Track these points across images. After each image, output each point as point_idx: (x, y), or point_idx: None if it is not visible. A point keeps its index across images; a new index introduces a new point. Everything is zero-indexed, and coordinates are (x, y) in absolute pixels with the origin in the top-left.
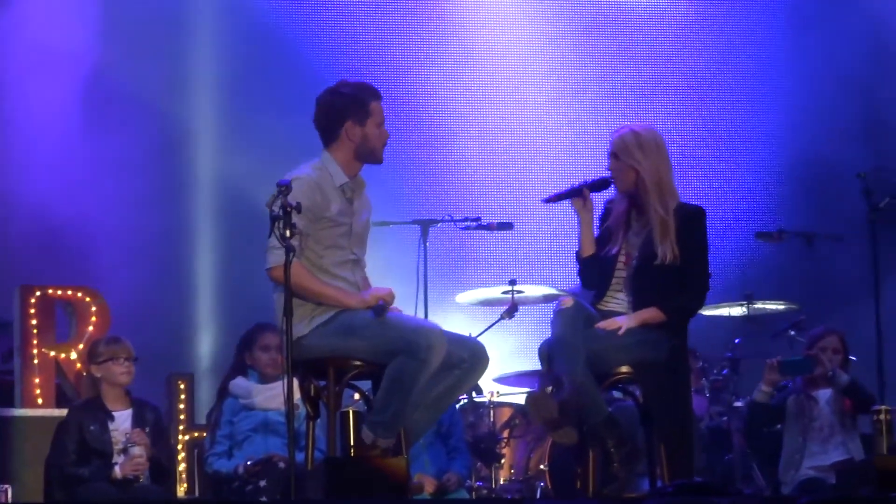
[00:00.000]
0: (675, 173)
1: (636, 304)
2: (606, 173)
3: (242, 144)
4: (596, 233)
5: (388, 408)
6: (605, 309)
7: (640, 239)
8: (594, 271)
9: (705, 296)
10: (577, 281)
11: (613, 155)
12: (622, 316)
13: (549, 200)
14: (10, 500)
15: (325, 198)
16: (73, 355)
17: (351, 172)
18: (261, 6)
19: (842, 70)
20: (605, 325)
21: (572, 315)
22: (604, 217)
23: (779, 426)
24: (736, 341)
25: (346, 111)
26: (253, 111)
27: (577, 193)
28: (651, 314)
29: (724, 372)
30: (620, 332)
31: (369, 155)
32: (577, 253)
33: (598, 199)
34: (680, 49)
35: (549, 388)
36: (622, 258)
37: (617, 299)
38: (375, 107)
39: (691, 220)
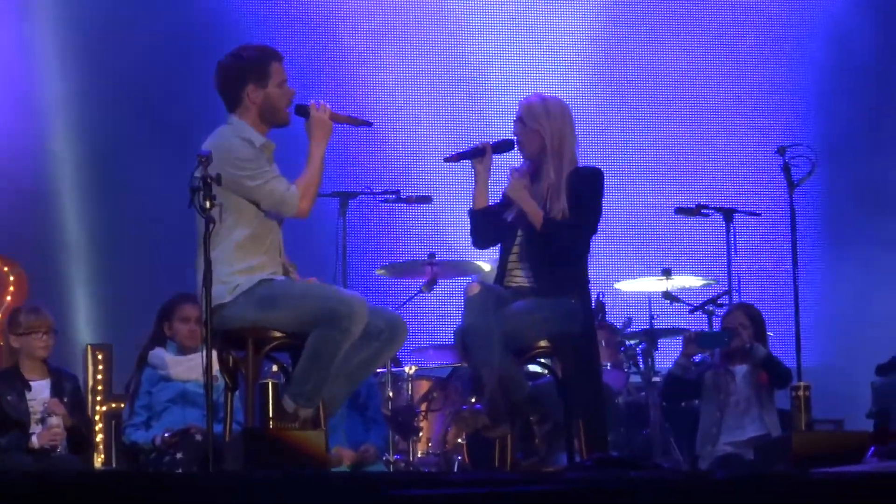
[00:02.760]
0: (595, 147)
1: (533, 266)
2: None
3: None
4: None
5: (308, 377)
6: (513, 285)
7: (538, 203)
8: (485, 225)
9: (581, 241)
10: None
11: (520, 120)
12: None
13: (450, 159)
14: None
15: (259, 154)
16: None
17: (262, 134)
18: None
19: (763, 45)
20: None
21: (481, 301)
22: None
23: (696, 401)
24: (654, 316)
25: (247, 74)
26: None
27: (479, 153)
28: (538, 213)
29: (643, 346)
30: (513, 188)
31: (274, 116)
32: (470, 210)
33: (502, 164)
34: (600, 20)
35: (472, 399)
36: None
37: (522, 268)
38: (276, 67)
39: (584, 179)
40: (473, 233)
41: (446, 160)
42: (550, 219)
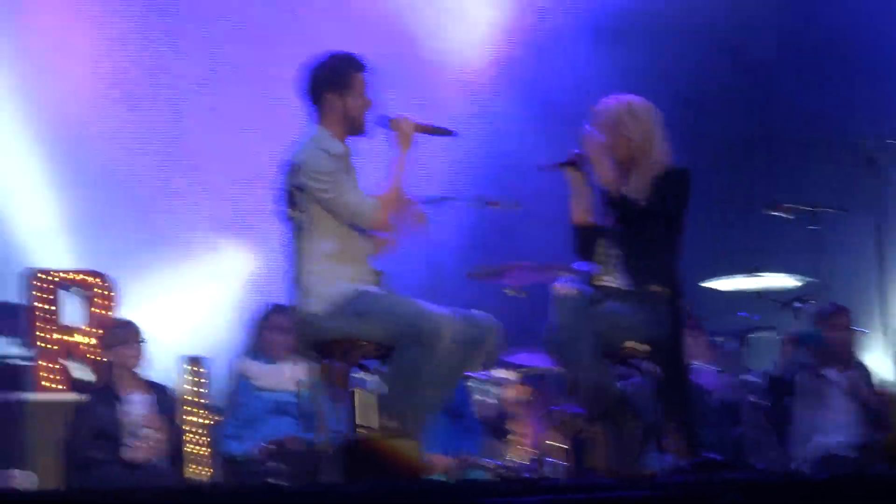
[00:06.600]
0: (681, 144)
1: (626, 267)
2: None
3: None
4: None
5: (398, 395)
6: (601, 284)
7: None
8: (588, 240)
9: (660, 230)
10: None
11: (604, 126)
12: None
13: (545, 169)
14: (30, 485)
15: (338, 166)
16: (83, 339)
17: (342, 142)
18: None
19: (847, 37)
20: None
21: (570, 301)
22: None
23: (791, 401)
24: (743, 314)
25: (327, 82)
26: None
27: (572, 163)
28: (609, 178)
29: (733, 345)
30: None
31: (353, 125)
32: (572, 224)
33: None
34: (675, 19)
35: (564, 401)
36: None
37: (611, 271)
38: (357, 77)
39: (672, 181)
40: (577, 248)
41: (540, 169)
42: (624, 196)
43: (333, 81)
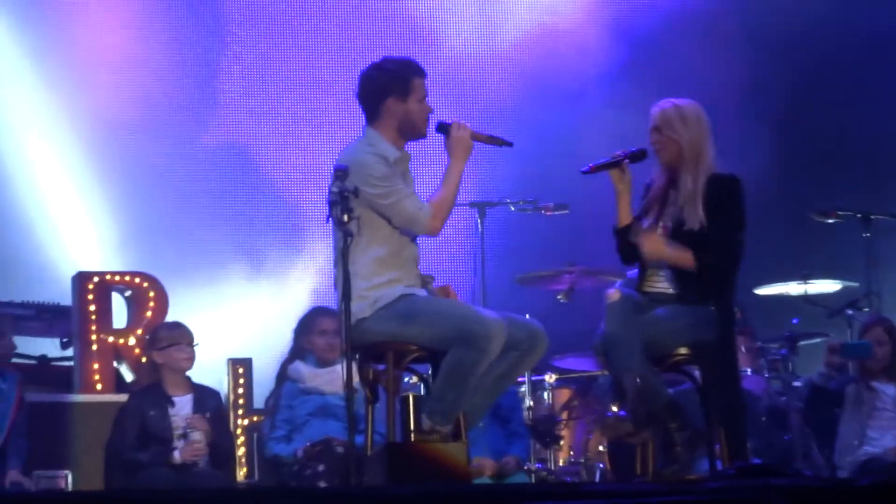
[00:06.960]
0: (731, 151)
1: (674, 275)
2: (644, 146)
3: None
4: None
5: (445, 396)
6: (652, 290)
7: (674, 210)
8: (633, 245)
9: (732, 255)
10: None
11: (656, 129)
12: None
13: (588, 172)
14: (69, 485)
15: (393, 171)
16: (132, 341)
17: (398, 148)
18: None
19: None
20: (644, 238)
21: (621, 307)
22: (644, 194)
23: (836, 410)
24: (794, 321)
25: (388, 87)
26: None
27: (615, 165)
28: (685, 256)
29: (783, 352)
30: (651, 248)
31: (412, 131)
32: (615, 227)
33: (637, 173)
34: (725, 24)
35: (616, 408)
36: (659, 231)
37: (660, 276)
38: (418, 83)
39: (721, 188)
40: (621, 251)
41: (583, 173)
42: (700, 256)
43: (394, 87)
